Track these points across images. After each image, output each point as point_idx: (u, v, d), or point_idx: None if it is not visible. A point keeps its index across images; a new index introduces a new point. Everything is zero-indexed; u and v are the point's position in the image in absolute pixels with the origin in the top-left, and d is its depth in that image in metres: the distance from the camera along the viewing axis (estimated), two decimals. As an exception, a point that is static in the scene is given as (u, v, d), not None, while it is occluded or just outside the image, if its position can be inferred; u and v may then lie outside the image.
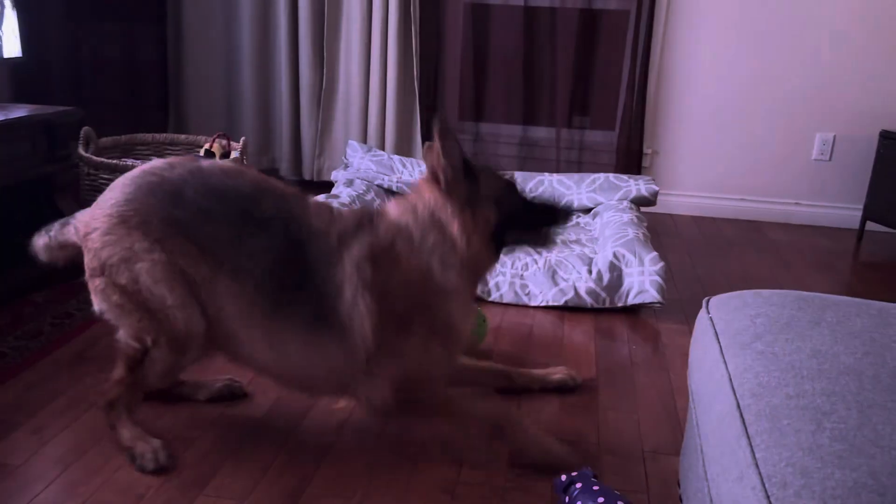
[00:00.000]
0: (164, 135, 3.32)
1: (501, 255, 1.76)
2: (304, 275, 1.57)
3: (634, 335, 2.46)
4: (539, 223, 1.77)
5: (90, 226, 1.61)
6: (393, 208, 1.68)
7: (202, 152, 3.09)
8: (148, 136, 3.26)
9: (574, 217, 3.35)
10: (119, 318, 1.63)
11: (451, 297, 1.63)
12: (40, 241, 1.72)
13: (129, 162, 2.89)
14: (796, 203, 3.89)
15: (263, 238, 1.57)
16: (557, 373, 2.05)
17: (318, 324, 1.58)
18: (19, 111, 2.63)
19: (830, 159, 3.80)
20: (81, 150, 2.84)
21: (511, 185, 1.73)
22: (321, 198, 3.09)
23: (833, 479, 0.84)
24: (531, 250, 1.81)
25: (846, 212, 3.83)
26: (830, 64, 3.68)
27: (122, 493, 1.55)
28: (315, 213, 1.63)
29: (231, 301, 1.58)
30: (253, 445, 1.74)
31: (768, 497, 0.85)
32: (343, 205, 3.02)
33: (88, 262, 1.62)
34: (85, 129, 2.89)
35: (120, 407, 1.67)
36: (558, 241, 1.92)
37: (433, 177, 1.63)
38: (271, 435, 1.79)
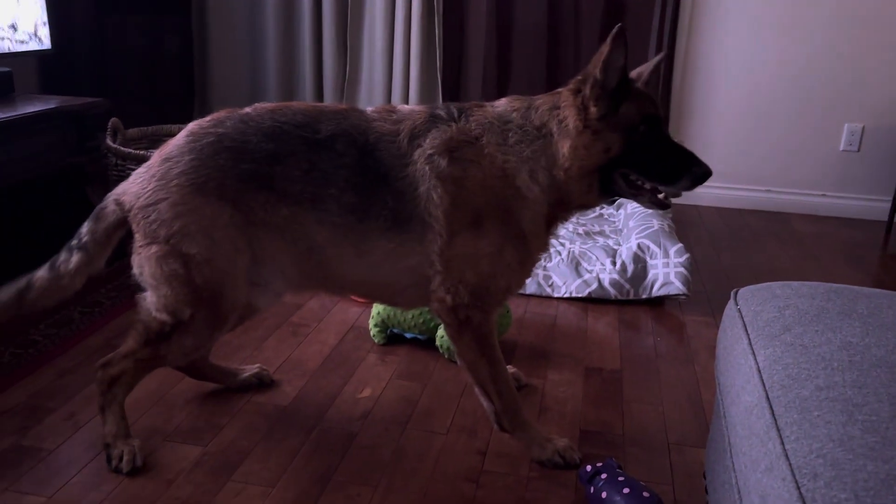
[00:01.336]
0: (191, 126, 3.35)
1: (605, 199, 1.62)
2: (380, 179, 1.53)
3: (659, 327, 2.45)
4: (665, 176, 1.56)
5: (153, 197, 1.54)
6: (504, 103, 1.60)
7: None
8: (175, 127, 3.29)
9: (597, 208, 3.34)
10: (162, 286, 1.56)
11: (529, 208, 1.55)
12: (74, 262, 1.61)
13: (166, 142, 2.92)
14: (823, 194, 3.84)
15: (332, 157, 1.54)
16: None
17: (398, 225, 1.54)
18: (49, 103, 2.68)
19: (859, 150, 3.75)
20: (109, 141, 2.87)
21: (654, 117, 1.54)
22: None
23: (865, 470, 0.84)
24: (642, 205, 1.60)
25: (875, 203, 3.77)
26: (859, 53, 3.61)
27: (152, 479, 1.58)
28: (377, 119, 1.58)
29: (318, 229, 1.56)
30: (280, 433, 1.76)
31: (798, 488, 0.85)
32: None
33: (149, 230, 1.54)
34: (113, 120, 2.92)
35: (120, 386, 1.63)
36: (672, 202, 1.63)
37: (578, 83, 1.51)
38: (298, 422, 1.81)
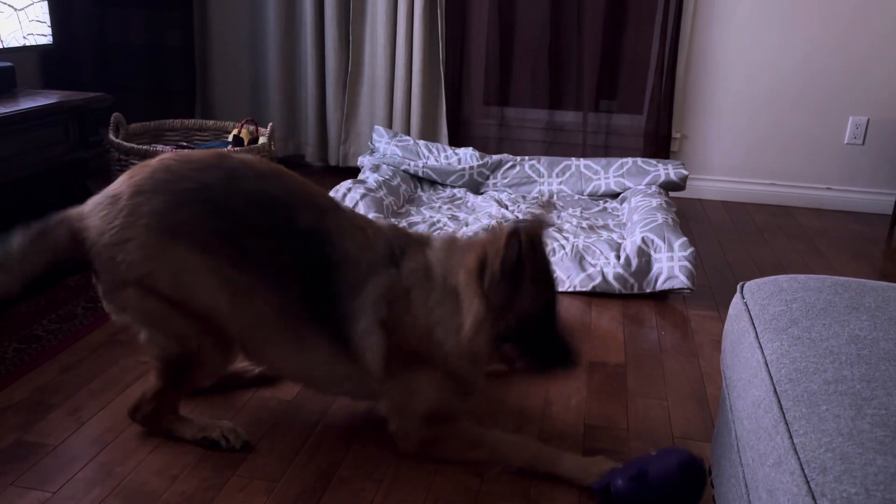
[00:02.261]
0: (193, 120, 3.35)
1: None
2: (332, 296, 1.58)
3: (663, 321, 2.44)
4: (543, 359, 1.62)
5: (118, 236, 1.51)
6: (432, 253, 1.62)
7: (230, 138, 3.11)
8: (176, 122, 3.29)
9: (601, 202, 3.33)
10: (157, 326, 1.58)
11: (451, 359, 1.59)
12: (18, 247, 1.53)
13: (160, 147, 2.92)
14: (828, 188, 3.83)
15: (301, 252, 1.58)
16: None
17: (338, 343, 1.60)
18: (51, 97, 2.67)
19: (863, 143, 3.73)
20: (112, 136, 2.87)
21: (550, 305, 1.60)
22: (347, 184, 3.10)
23: (875, 465, 0.83)
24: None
25: (879, 197, 3.76)
26: (864, 46, 3.59)
27: (157, 474, 1.58)
28: (350, 236, 1.61)
29: (266, 309, 1.59)
30: (284, 428, 1.76)
31: (808, 482, 0.84)
32: (370, 190, 3.03)
33: (117, 272, 1.52)
34: (115, 114, 2.92)
35: (166, 414, 1.67)
36: (547, 374, 1.74)
37: (480, 265, 1.54)
38: (302, 417, 1.80)
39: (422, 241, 1.66)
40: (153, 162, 1.60)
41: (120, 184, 1.57)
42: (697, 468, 1.47)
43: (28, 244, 1.53)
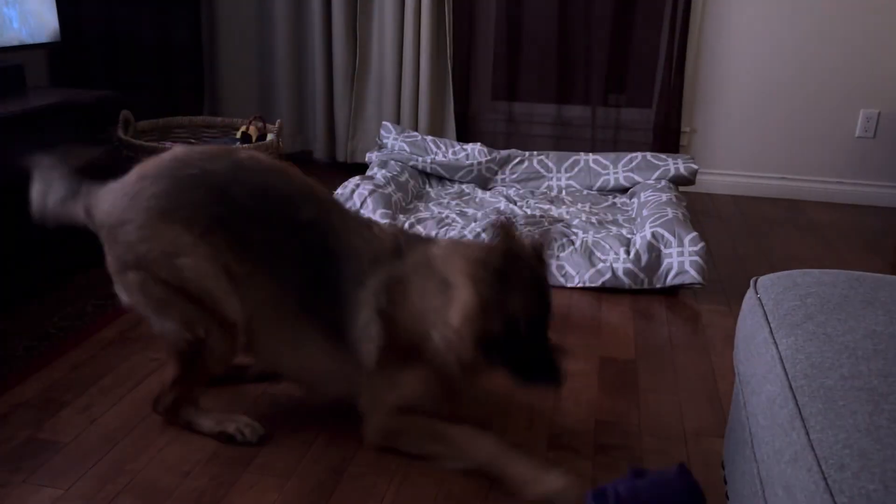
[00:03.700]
0: (201, 117, 3.35)
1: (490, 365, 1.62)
2: (333, 288, 1.58)
3: (674, 316, 2.43)
4: (527, 371, 1.59)
5: (119, 217, 1.56)
6: (436, 249, 1.63)
7: (238, 135, 3.11)
8: (185, 119, 3.29)
9: (610, 197, 3.32)
10: (162, 313, 1.60)
11: (442, 353, 1.58)
12: (38, 196, 1.67)
13: (168, 145, 2.92)
14: (839, 181, 3.80)
15: (302, 245, 1.59)
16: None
17: (335, 335, 1.60)
18: (60, 95, 2.67)
19: (875, 136, 3.70)
20: (121, 134, 2.87)
21: (541, 316, 1.59)
22: (355, 180, 3.10)
23: (893, 460, 0.82)
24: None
25: (891, 190, 3.73)
26: (875, 39, 3.56)
27: (169, 471, 1.58)
28: (355, 230, 1.62)
29: (266, 299, 1.60)
30: (295, 423, 1.76)
31: (825, 479, 0.83)
32: (378, 186, 3.03)
33: (118, 253, 1.58)
34: (123, 112, 2.92)
35: (186, 407, 1.69)
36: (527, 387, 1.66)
37: (478, 258, 1.55)
38: (313, 413, 1.80)
39: (427, 239, 1.68)
40: (165, 153, 1.64)
41: (133, 172, 1.62)
42: (693, 481, 1.46)
43: (58, 206, 1.65)
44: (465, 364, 1.59)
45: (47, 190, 1.66)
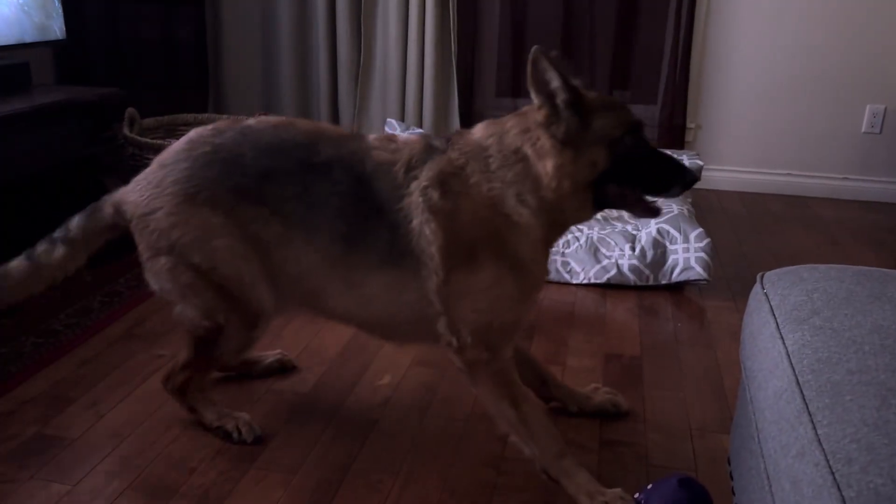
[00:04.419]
0: (206, 114, 3.35)
1: (597, 212, 1.56)
2: (374, 210, 1.49)
3: (679, 312, 2.43)
4: (656, 185, 1.51)
5: (149, 206, 1.56)
6: (480, 129, 1.53)
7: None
8: (190, 117, 3.29)
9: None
10: (187, 298, 1.59)
11: (523, 234, 1.47)
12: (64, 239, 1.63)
13: (173, 142, 2.93)
14: (845, 178, 3.78)
15: (327, 183, 1.50)
16: (599, 396, 1.83)
17: (391, 259, 1.49)
18: (65, 93, 2.68)
19: (881, 132, 3.68)
20: (126, 131, 2.88)
21: (635, 127, 1.49)
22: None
23: (901, 455, 0.82)
24: (631, 216, 1.51)
25: (897, 186, 3.72)
26: (881, 34, 3.54)
27: (175, 467, 1.59)
28: (377, 147, 1.54)
29: (308, 254, 1.53)
30: (301, 420, 1.77)
31: (833, 473, 0.83)
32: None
33: (150, 242, 1.57)
34: (129, 109, 2.92)
35: (193, 390, 1.69)
36: (664, 209, 1.53)
37: (537, 114, 1.46)
38: (319, 409, 1.81)
39: (462, 131, 1.58)
40: (181, 138, 1.63)
41: (153, 162, 1.63)
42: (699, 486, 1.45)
43: (84, 221, 1.63)
44: (567, 217, 1.51)
45: (66, 231, 1.64)
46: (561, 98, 1.44)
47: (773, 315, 1.22)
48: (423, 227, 1.45)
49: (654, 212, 1.56)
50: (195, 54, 4.04)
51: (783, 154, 3.79)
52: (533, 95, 1.46)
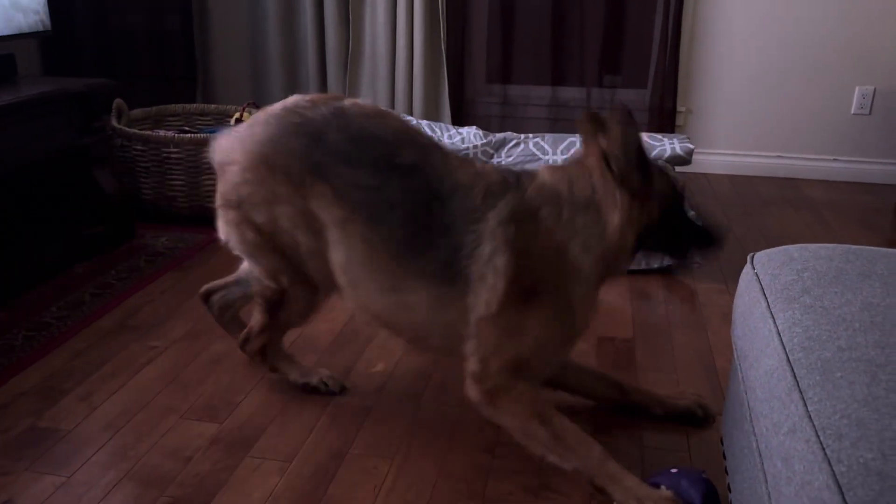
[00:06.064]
0: (194, 105, 3.34)
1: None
2: (441, 226, 1.50)
3: (671, 295, 2.44)
4: (692, 241, 1.62)
5: (228, 157, 1.64)
6: (547, 174, 1.56)
7: (233, 122, 3.10)
8: (178, 107, 3.28)
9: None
10: (252, 256, 1.68)
11: (581, 282, 1.51)
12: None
13: (162, 133, 2.91)
14: (835, 159, 3.80)
15: (403, 187, 1.52)
16: (686, 399, 1.77)
17: (445, 276, 1.50)
18: (52, 85, 2.66)
19: (870, 113, 3.69)
20: (114, 122, 2.86)
21: (681, 191, 1.60)
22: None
23: (891, 429, 0.83)
24: (665, 260, 1.58)
25: (887, 167, 3.73)
26: (870, 15, 3.54)
27: (170, 456, 1.59)
28: (459, 168, 1.56)
29: (360, 246, 1.54)
30: (296, 408, 1.77)
31: (823, 449, 0.84)
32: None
33: (224, 190, 1.65)
34: (117, 100, 2.91)
35: (272, 352, 1.78)
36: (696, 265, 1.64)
37: (604, 159, 1.49)
38: (313, 397, 1.81)
39: (532, 171, 1.61)
40: (280, 102, 1.66)
41: (252, 117, 1.70)
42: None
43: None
44: (623, 263, 1.57)
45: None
46: (636, 157, 1.48)
47: (764, 294, 1.23)
48: (495, 257, 1.47)
49: (685, 264, 1.68)
50: (183, 44, 4.01)
51: (773, 136, 3.80)
52: (611, 150, 1.48)
